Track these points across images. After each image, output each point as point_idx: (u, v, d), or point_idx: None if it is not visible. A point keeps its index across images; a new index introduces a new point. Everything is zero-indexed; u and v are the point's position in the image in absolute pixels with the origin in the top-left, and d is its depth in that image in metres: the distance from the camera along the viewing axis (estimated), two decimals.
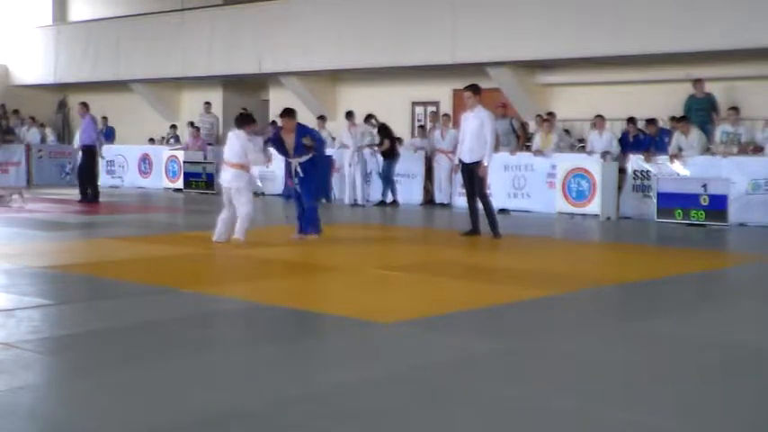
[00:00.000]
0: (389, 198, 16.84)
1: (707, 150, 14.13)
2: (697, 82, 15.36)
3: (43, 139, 24.22)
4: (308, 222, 10.75)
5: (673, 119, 15.33)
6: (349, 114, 17.54)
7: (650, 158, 14.22)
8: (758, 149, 13.93)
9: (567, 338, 5.66)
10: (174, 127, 23.07)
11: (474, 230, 11.16)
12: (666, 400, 4.21)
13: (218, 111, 23.66)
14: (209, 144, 21.20)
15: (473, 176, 11.13)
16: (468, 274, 8.13)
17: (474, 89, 11.29)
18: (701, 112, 14.99)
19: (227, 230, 10.21)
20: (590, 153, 14.97)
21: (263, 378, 4.53)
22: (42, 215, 13.57)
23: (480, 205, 11.22)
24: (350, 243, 11.45)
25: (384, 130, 17.02)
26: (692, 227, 12.76)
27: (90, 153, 16.36)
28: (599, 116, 15.28)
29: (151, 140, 23.28)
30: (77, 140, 17.12)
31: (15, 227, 11.70)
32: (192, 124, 22.66)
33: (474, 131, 11.03)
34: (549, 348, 5.36)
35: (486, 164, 11.02)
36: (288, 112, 10.67)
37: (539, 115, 16.89)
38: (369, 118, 17.68)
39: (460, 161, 11.31)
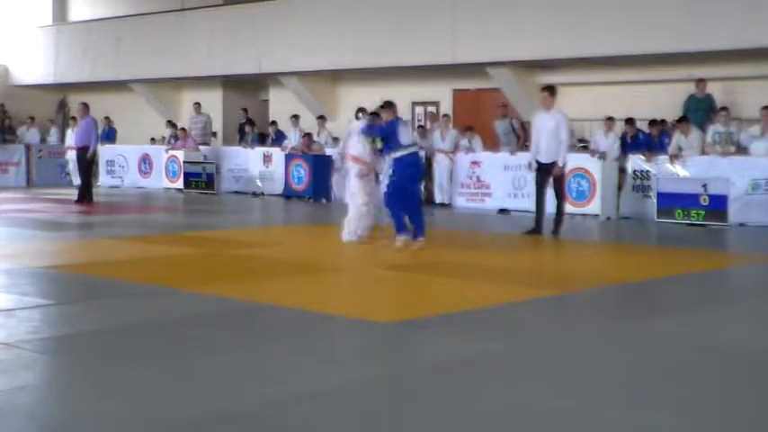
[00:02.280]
0: None
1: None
2: (699, 82, 15.38)
3: (43, 139, 24.22)
4: (421, 226, 10.01)
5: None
6: (356, 115, 17.52)
7: (650, 158, 14.22)
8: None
9: (568, 338, 5.66)
10: (175, 126, 23.04)
11: (537, 230, 11.39)
12: (666, 400, 4.21)
13: (218, 110, 23.65)
14: (205, 144, 21.19)
15: (549, 176, 11.39)
16: (468, 274, 8.13)
17: (551, 90, 11.56)
18: (699, 113, 15.00)
19: (367, 226, 10.36)
20: (594, 152, 14.89)
21: (263, 378, 4.53)
22: (42, 215, 13.58)
23: (543, 204, 11.54)
24: (350, 243, 11.45)
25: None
26: (692, 227, 12.76)
27: (85, 153, 16.35)
28: (610, 118, 15.21)
29: (152, 140, 23.29)
30: (73, 140, 17.12)
31: (15, 227, 11.71)
32: (169, 122, 22.69)
33: (551, 132, 11.25)
34: (549, 348, 5.36)
35: (561, 164, 11.31)
36: (386, 104, 10.29)
37: None
38: (358, 113, 17.54)
39: (537, 162, 11.49)
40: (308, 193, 17.98)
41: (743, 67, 15.96)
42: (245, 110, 22.11)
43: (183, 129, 20.94)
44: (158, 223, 13.36)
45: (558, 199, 11.64)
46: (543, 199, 11.60)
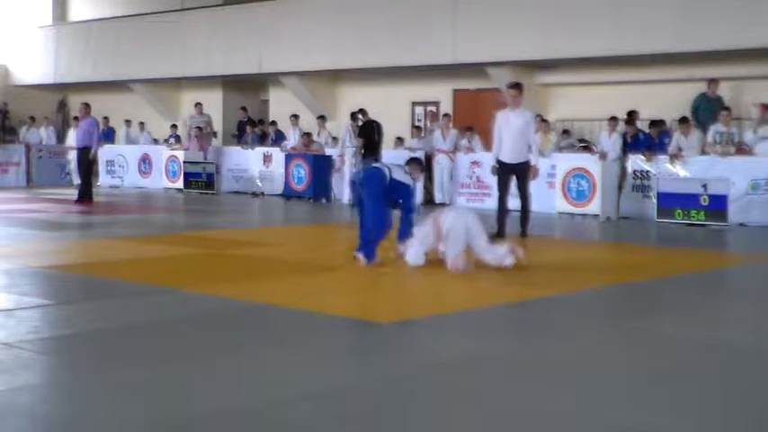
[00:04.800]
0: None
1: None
2: (711, 82, 15.38)
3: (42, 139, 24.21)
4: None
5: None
6: (353, 115, 17.55)
7: (650, 158, 14.23)
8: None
9: (568, 338, 5.66)
10: (174, 126, 23.07)
11: (500, 233, 10.75)
12: (666, 400, 4.21)
13: (218, 110, 23.64)
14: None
15: (515, 177, 10.98)
16: (468, 274, 8.12)
17: (520, 88, 11.08)
18: (708, 112, 15.01)
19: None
20: (600, 152, 14.88)
21: (264, 378, 4.53)
22: (42, 215, 13.57)
23: (506, 206, 11.12)
24: (350, 243, 11.44)
25: (363, 129, 16.91)
26: (692, 227, 12.76)
27: (86, 153, 16.37)
28: (613, 118, 15.23)
29: (155, 141, 23.29)
30: (75, 140, 17.14)
31: (15, 227, 11.70)
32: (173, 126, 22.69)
33: (518, 131, 10.80)
34: (550, 348, 5.36)
35: (535, 164, 10.98)
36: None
37: (538, 115, 16.90)
38: (354, 116, 17.50)
39: (500, 162, 11.03)
40: (308, 193, 17.98)
41: (743, 67, 15.97)
42: (245, 108, 22.11)
43: (200, 128, 20.82)
44: (158, 223, 13.35)
45: (524, 199, 11.12)
46: (506, 200, 11.09)
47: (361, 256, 8.42)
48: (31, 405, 4.09)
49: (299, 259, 9.06)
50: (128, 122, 23.74)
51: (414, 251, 8.30)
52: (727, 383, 4.62)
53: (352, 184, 8.96)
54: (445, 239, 8.19)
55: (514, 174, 11.05)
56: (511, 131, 10.84)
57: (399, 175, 8.69)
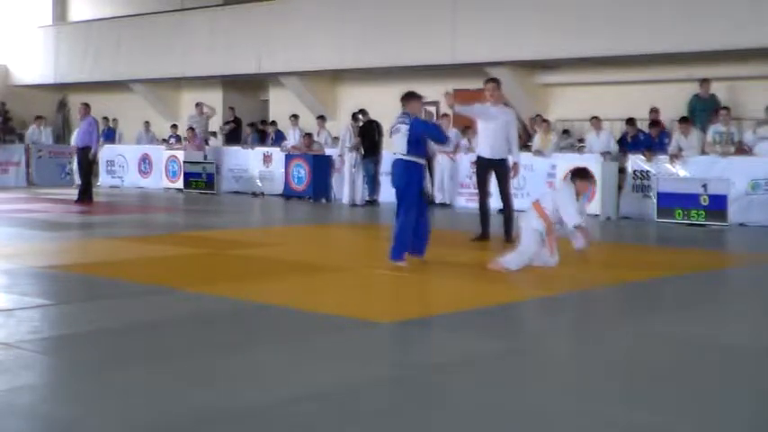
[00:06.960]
0: (362, 198, 16.86)
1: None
2: (704, 82, 15.38)
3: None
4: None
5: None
6: (353, 115, 17.58)
7: (650, 158, 14.23)
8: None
9: (568, 338, 5.66)
10: (174, 126, 23.06)
11: (484, 235, 10.57)
12: (666, 400, 4.21)
13: (218, 111, 23.64)
14: (206, 143, 21.17)
15: (494, 175, 10.65)
16: (468, 274, 8.12)
17: (498, 83, 10.88)
18: (704, 113, 15.01)
19: None
20: (600, 152, 14.92)
21: (264, 378, 4.53)
22: (42, 215, 13.57)
23: (488, 205, 10.76)
24: (349, 243, 11.46)
25: (364, 129, 16.93)
26: (692, 227, 12.76)
27: (86, 153, 16.39)
28: (595, 117, 15.27)
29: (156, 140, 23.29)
30: (74, 140, 17.17)
31: (15, 227, 11.71)
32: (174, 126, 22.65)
33: (500, 127, 10.55)
34: (550, 348, 5.36)
35: (518, 161, 10.73)
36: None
37: (538, 115, 16.91)
38: (354, 116, 17.48)
39: (480, 157, 10.70)
40: (308, 194, 17.98)
41: (743, 67, 15.97)
42: (232, 108, 22.10)
43: (192, 128, 20.82)
44: (158, 223, 13.36)
45: (505, 199, 10.69)
46: (488, 199, 10.73)
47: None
48: (31, 405, 4.09)
49: (299, 259, 9.05)
50: (146, 124, 23.70)
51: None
52: (727, 383, 4.62)
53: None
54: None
55: (493, 170, 10.69)
56: (491, 126, 10.60)
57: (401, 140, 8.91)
